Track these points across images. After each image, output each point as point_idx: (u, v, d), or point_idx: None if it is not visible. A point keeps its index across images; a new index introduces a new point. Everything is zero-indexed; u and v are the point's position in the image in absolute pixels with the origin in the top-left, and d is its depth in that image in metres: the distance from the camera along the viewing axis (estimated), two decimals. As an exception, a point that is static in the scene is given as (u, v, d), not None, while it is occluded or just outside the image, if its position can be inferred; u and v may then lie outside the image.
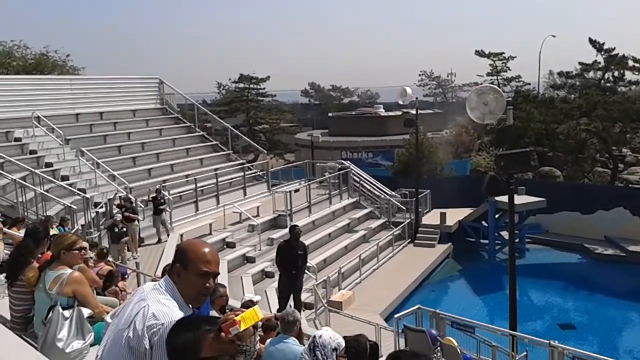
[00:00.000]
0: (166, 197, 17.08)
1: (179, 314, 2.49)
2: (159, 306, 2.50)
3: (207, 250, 2.64)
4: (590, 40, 34.63)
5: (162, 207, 16.53)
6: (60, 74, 32.00)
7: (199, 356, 2.02)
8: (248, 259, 16.74)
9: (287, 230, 18.21)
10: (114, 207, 15.70)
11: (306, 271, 16.40)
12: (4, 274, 5.68)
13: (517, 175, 15.12)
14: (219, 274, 2.70)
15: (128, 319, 2.52)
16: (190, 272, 2.58)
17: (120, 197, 16.11)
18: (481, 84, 41.92)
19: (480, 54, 50.23)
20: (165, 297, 2.56)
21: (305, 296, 15.70)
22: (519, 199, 20.19)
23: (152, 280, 7.74)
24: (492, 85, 14.56)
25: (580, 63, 36.21)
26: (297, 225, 13.40)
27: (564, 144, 32.49)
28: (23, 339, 4.68)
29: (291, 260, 12.19)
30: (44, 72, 31.41)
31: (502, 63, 50.48)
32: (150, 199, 16.88)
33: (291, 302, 12.53)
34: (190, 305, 2.63)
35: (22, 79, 22.88)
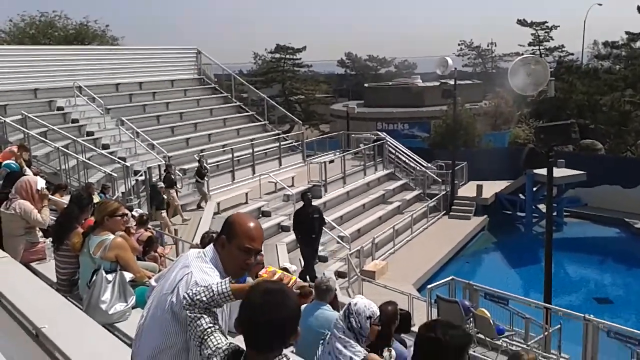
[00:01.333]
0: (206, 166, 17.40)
1: None
2: (202, 274, 2.55)
3: (253, 226, 2.66)
4: (639, 8, 33.33)
5: (204, 174, 16.97)
6: (100, 43, 32.51)
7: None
8: (283, 228, 16.93)
9: (321, 200, 18.52)
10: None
11: (340, 241, 16.73)
12: (51, 239, 5.92)
13: (557, 147, 14.84)
14: (261, 251, 2.74)
15: (172, 284, 2.59)
16: (233, 245, 2.62)
17: (167, 164, 16.54)
18: (523, 54, 40.96)
19: (522, 23, 48.93)
20: (208, 266, 2.61)
21: (338, 265, 15.95)
22: (558, 172, 19.81)
23: (191, 247, 7.95)
24: (535, 56, 14.24)
25: (627, 32, 34.90)
26: (308, 192, 14.32)
27: (607, 116, 31.61)
28: (68, 300, 4.91)
29: (309, 225, 12.91)
30: (84, 42, 31.95)
31: (545, 33, 49.13)
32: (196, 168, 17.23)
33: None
34: (229, 276, 2.67)
35: (64, 49, 23.30)
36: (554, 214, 18.57)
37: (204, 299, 2.34)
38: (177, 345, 2.55)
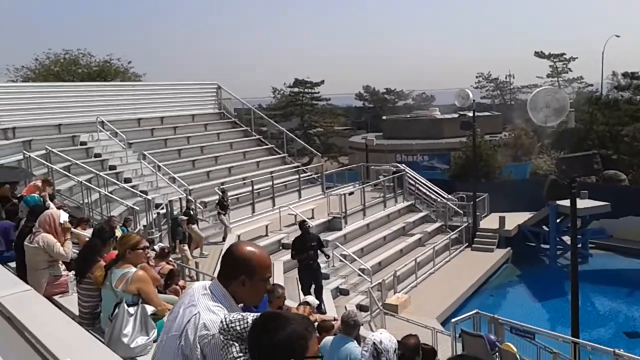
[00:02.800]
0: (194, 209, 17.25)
1: None
2: (209, 315, 2.49)
3: (263, 255, 2.67)
4: (658, 38, 33.26)
5: (226, 206, 17.03)
6: (122, 80, 33.14)
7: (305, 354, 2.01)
8: (304, 261, 16.83)
9: (341, 232, 18.47)
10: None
11: (361, 274, 16.57)
12: (73, 272, 5.93)
13: (580, 178, 14.67)
14: None
15: (180, 325, 2.53)
16: (256, 280, 2.61)
17: (187, 199, 16.63)
18: (541, 85, 40.93)
19: (540, 55, 49.09)
20: (215, 304, 2.56)
21: (360, 298, 15.76)
22: (582, 203, 19.55)
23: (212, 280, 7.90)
24: (555, 87, 14.22)
25: (646, 62, 34.79)
26: (305, 220, 14.81)
27: (629, 146, 31.36)
28: (91, 333, 4.87)
29: (307, 252, 13.28)
30: (108, 79, 32.60)
31: (563, 64, 49.16)
32: (218, 200, 17.28)
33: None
34: (240, 306, 2.65)
35: (87, 85, 23.80)
36: (579, 245, 18.27)
37: (238, 328, 2.31)
38: None
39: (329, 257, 15.36)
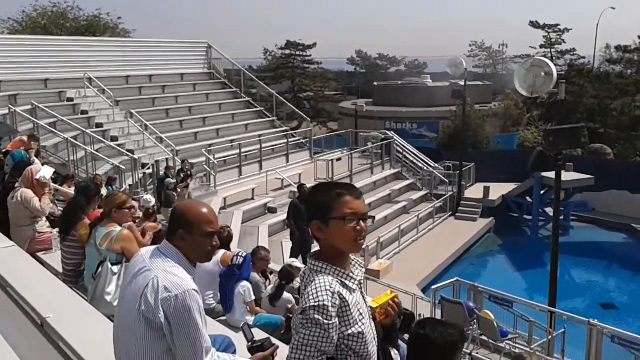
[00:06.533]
0: (190, 170, 16.24)
1: (189, 281, 2.54)
2: (167, 276, 2.51)
3: (207, 210, 2.69)
4: (652, 12, 33.08)
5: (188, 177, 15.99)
6: (111, 36, 32.56)
7: (330, 215, 2.30)
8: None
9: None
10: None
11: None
12: (57, 229, 5.95)
13: (566, 151, 14.77)
14: (218, 230, 2.77)
15: (137, 291, 2.53)
16: (195, 234, 2.63)
17: (183, 160, 16.38)
18: (534, 55, 40.71)
19: (534, 25, 48.60)
20: (170, 265, 2.57)
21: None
22: (566, 176, 19.67)
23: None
24: (542, 58, 14.11)
25: (639, 37, 34.71)
26: (304, 184, 14.40)
27: (617, 120, 31.48)
28: (74, 290, 4.93)
29: (303, 216, 12.83)
30: (96, 34, 32.01)
31: (557, 35, 48.76)
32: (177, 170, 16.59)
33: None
34: (194, 265, 2.68)
35: (75, 40, 23.36)
36: (561, 217, 18.50)
37: None
38: (157, 350, 2.51)
39: None
